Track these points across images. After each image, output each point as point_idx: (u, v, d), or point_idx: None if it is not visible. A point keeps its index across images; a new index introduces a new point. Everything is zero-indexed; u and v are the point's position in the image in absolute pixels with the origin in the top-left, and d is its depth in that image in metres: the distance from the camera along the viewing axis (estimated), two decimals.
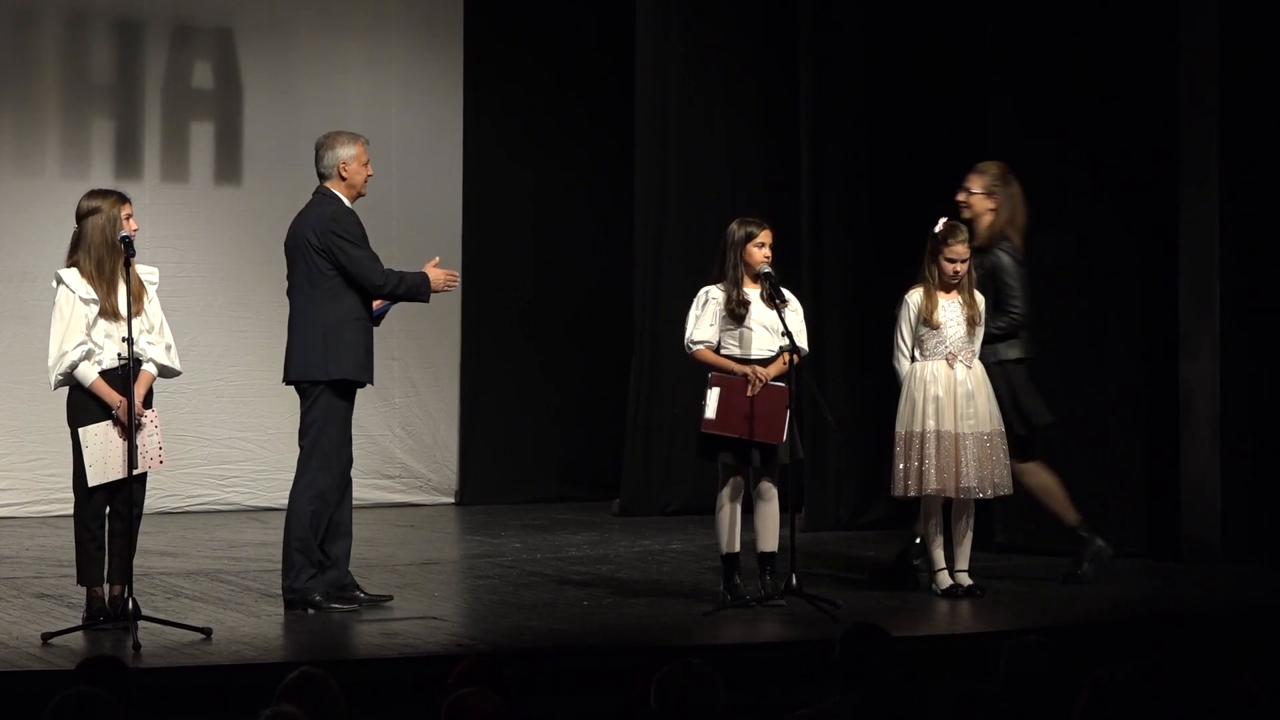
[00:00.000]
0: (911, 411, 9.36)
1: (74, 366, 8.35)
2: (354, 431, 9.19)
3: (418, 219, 13.01)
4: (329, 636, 8.49)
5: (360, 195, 9.12)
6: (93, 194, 8.59)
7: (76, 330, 8.36)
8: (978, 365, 9.42)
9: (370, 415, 9.22)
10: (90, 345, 8.36)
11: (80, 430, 8.37)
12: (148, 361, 8.47)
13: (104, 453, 8.34)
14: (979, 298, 9.48)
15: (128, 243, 8.35)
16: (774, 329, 8.98)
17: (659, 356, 12.83)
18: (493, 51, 13.49)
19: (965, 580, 9.40)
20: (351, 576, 9.11)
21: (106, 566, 8.43)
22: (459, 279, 9.30)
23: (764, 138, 12.88)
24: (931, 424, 9.31)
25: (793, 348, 8.89)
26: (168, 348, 8.56)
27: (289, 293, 9.16)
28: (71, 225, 8.54)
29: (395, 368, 13.09)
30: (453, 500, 13.46)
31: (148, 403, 8.47)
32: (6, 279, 12.35)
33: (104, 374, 8.37)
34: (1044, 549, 10.69)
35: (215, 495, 12.81)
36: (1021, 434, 9.70)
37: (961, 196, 9.86)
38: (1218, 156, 10.51)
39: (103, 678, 5.55)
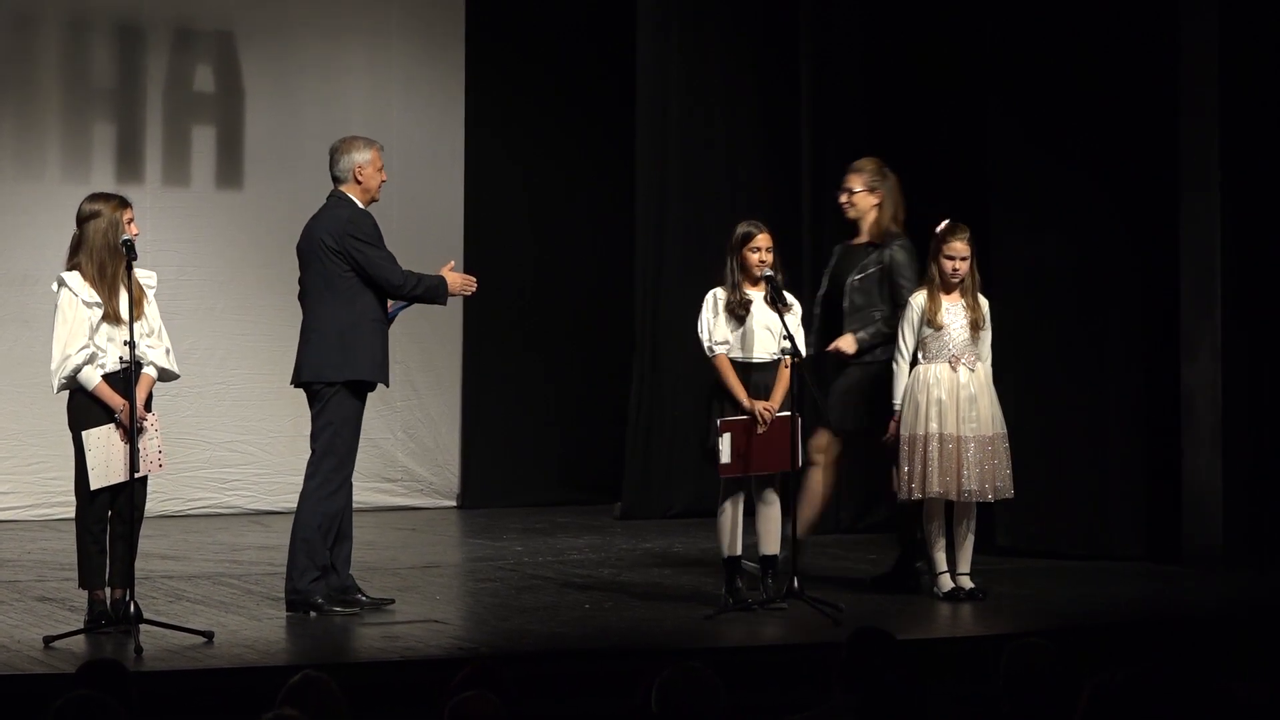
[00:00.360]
0: (914, 414, 9.36)
1: (77, 370, 8.35)
2: None
3: (419, 223, 13.00)
4: (330, 640, 8.50)
5: (374, 200, 9.16)
6: (94, 197, 8.58)
7: (80, 334, 8.36)
8: (980, 369, 9.42)
9: (371, 418, 9.22)
10: (93, 349, 8.36)
11: (83, 434, 8.37)
12: (148, 365, 8.47)
13: (106, 456, 8.34)
14: (983, 301, 9.48)
15: (130, 246, 8.35)
16: (776, 332, 9.00)
17: (660, 359, 12.83)
18: (494, 55, 13.49)
19: (967, 583, 9.40)
20: (353, 579, 9.11)
21: (108, 570, 8.43)
22: (476, 284, 9.33)
23: (764, 138, 12.88)
24: (934, 427, 9.32)
25: (793, 351, 8.90)
26: (167, 351, 8.56)
27: (301, 295, 9.16)
28: (73, 229, 8.53)
29: (396, 370, 12.93)
30: (454, 503, 13.46)
31: (147, 406, 8.47)
32: (8, 282, 12.34)
33: (106, 377, 8.37)
34: (1045, 552, 10.70)
35: (217, 499, 12.81)
36: (841, 429, 9.78)
37: (844, 197, 9.89)
38: (1218, 158, 10.51)
39: (104, 681, 5.55)
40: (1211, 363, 10.54)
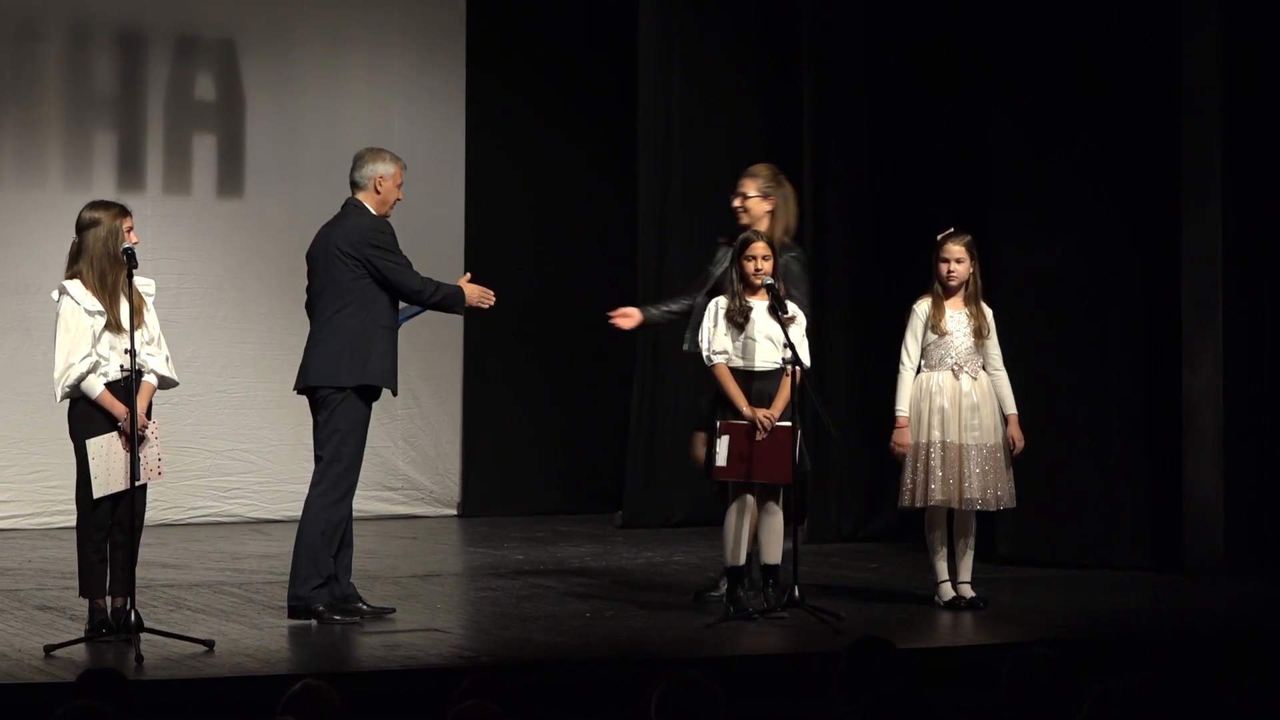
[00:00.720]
0: (917, 422, 9.36)
1: (81, 379, 8.34)
2: None
3: (420, 230, 12.95)
4: (331, 648, 8.49)
5: (386, 215, 9.15)
6: (94, 205, 8.57)
7: (83, 343, 8.35)
8: (983, 377, 9.42)
9: (372, 427, 9.21)
10: (96, 357, 8.36)
11: (87, 442, 8.36)
12: (149, 373, 8.46)
13: (108, 465, 8.33)
14: (987, 309, 9.47)
15: (130, 255, 8.34)
16: (777, 341, 8.99)
17: (661, 368, 12.82)
18: (494, 61, 13.49)
19: (968, 592, 9.39)
20: (354, 588, 9.10)
21: (109, 578, 8.42)
22: (494, 298, 9.31)
23: (765, 141, 12.86)
24: (936, 435, 9.31)
25: (795, 360, 8.89)
26: (166, 359, 8.56)
27: (310, 301, 9.16)
28: (73, 237, 8.53)
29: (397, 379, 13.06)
30: (455, 512, 13.45)
31: (148, 414, 8.46)
32: (9, 291, 12.34)
33: (107, 386, 8.36)
34: (1047, 561, 10.69)
35: (217, 507, 12.80)
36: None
37: (737, 202, 9.76)
38: (1220, 164, 10.51)
39: (104, 690, 5.55)
40: (1213, 371, 10.53)
